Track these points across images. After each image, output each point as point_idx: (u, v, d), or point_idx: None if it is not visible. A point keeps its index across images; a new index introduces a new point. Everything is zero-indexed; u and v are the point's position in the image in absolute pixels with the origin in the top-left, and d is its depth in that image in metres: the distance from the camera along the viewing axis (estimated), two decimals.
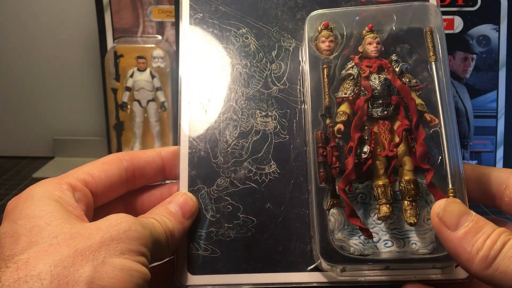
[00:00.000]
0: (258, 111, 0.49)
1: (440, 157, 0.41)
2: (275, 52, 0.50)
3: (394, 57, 0.45)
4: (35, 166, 1.06)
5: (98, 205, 0.44)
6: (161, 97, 0.91)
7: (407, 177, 0.41)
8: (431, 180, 0.40)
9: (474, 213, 0.36)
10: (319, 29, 0.45)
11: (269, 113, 0.49)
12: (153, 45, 0.88)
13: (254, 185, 0.47)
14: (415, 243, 0.42)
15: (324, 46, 0.45)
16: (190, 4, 0.52)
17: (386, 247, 0.42)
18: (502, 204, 0.41)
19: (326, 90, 0.44)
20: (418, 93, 0.44)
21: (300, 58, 0.50)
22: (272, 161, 0.47)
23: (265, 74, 0.50)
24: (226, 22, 0.52)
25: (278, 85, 0.49)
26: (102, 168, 0.44)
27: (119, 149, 0.92)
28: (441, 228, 0.36)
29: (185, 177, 0.47)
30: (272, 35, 0.51)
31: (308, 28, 0.45)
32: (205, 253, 0.45)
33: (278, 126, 0.48)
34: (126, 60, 0.89)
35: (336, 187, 0.42)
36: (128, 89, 0.90)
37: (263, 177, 0.47)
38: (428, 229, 0.42)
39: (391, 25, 0.45)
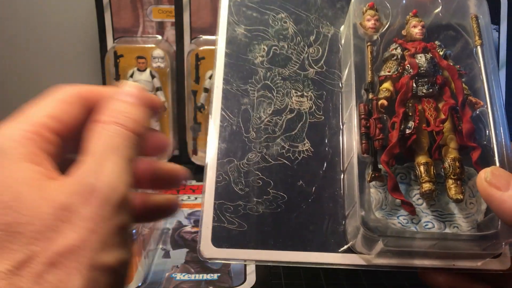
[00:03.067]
0: (293, 91, 0.48)
1: (486, 136, 0.40)
2: (313, 37, 0.50)
3: (437, 42, 0.44)
4: None
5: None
6: (161, 97, 0.90)
7: (452, 155, 0.40)
8: (478, 159, 0.39)
9: None
10: (364, 9, 0.45)
11: (305, 94, 0.48)
12: (153, 45, 0.88)
13: (287, 162, 0.45)
14: (457, 227, 0.40)
15: (369, 24, 0.44)
16: None
17: (426, 229, 0.40)
18: None
19: (370, 66, 0.43)
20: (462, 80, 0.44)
21: (339, 44, 0.49)
22: (306, 140, 0.46)
23: (302, 57, 0.49)
24: (265, 7, 0.52)
25: (315, 67, 0.49)
26: (66, 110, 0.34)
27: None
28: (490, 190, 0.35)
29: (214, 148, 0.45)
30: (311, 21, 0.51)
31: (354, 6, 0.45)
32: (231, 226, 0.42)
33: (314, 107, 0.47)
34: (126, 60, 0.88)
35: (379, 160, 0.40)
36: None
37: (296, 155, 0.45)
38: (470, 213, 0.40)
39: (436, 12, 0.45)
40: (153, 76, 0.89)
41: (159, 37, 0.91)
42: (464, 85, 0.43)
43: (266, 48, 0.50)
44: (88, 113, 0.34)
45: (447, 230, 0.40)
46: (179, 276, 0.58)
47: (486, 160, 0.39)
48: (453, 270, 0.40)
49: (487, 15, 0.44)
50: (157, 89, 0.89)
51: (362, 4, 0.46)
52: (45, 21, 1.02)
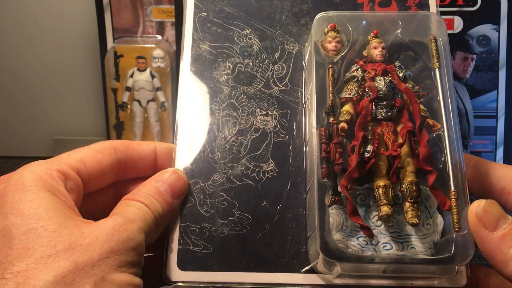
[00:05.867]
0: (258, 110, 0.48)
1: (442, 159, 0.41)
2: (278, 54, 0.51)
3: (397, 63, 0.45)
4: None
5: (87, 192, 0.42)
6: (161, 97, 0.90)
7: (409, 178, 0.41)
8: (433, 183, 0.40)
9: (510, 217, 0.37)
10: (326, 30, 0.46)
11: (270, 112, 0.48)
12: (153, 45, 0.88)
13: (251, 183, 0.46)
14: (414, 247, 0.41)
15: (330, 46, 0.45)
16: (195, 3, 0.52)
17: (385, 250, 0.41)
18: (509, 200, 0.42)
19: (331, 89, 0.44)
20: (419, 101, 0.44)
21: (303, 61, 0.50)
22: (271, 160, 0.47)
23: (267, 75, 0.50)
24: (230, 22, 0.52)
25: (280, 85, 0.49)
26: (95, 157, 0.42)
27: None
28: (478, 227, 0.37)
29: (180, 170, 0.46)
30: (276, 38, 0.51)
31: (316, 28, 0.46)
32: (197, 249, 0.43)
33: (278, 126, 0.48)
34: (126, 60, 0.89)
35: (338, 184, 0.41)
36: (128, 89, 0.89)
37: (261, 175, 0.46)
38: (427, 234, 0.42)
39: (396, 32, 0.46)
40: (153, 76, 0.89)
41: (159, 37, 0.90)
42: (423, 107, 0.44)
43: (231, 66, 0.50)
44: (116, 162, 0.43)
45: (405, 251, 0.41)
46: None
47: (442, 184, 0.40)
48: None
49: (446, 36, 0.45)
50: (157, 89, 0.89)
51: (324, 25, 0.46)
52: (45, 21, 1.01)
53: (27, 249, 0.32)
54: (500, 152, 0.81)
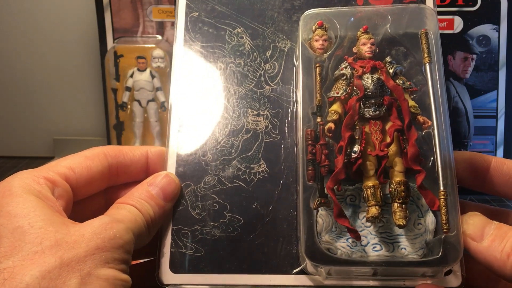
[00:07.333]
0: (249, 110, 0.48)
1: (432, 159, 0.40)
2: (270, 52, 0.50)
3: (388, 59, 0.44)
4: (35, 166, 1.05)
5: (78, 199, 0.43)
6: (161, 97, 0.91)
7: (397, 178, 0.40)
8: (422, 182, 0.39)
9: (495, 222, 0.36)
10: (313, 28, 0.45)
11: (261, 112, 0.48)
12: (153, 45, 0.89)
13: (243, 184, 0.46)
14: (405, 248, 0.41)
15: (317, 44, 0.44)
16: (186, 3, 0.52)
17: (374, 251, 0.41)
18: None
19: (318, 88, 0.43)
20: (412, 96, 0.43)
21: (294, 59, 0.49)
22: (262, 161, 0.46)
23: (258, 74, 0.49)
24: (221, 21, 0.51)
25: (271, 84, 0.49)
26: (84, 164, 0.42)
27: None
28: (467, 241, 0.37)
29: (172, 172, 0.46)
30: (267, 36, 0.50)
31: (302, 27, 0.45)
32: (189, 252, 0.44)
33: (270, 126, 0.47)
34: (126, 60, 0.90)
35: (325, 186, 0.40)
36: (128, 89, 0.90)
37: (252, 176, 0.46)
38: (418, 234, 0.41)
39: (386, 27, 0.45)
40: (153, 76, 0.90)
41: (159, 37, 0.91)
42: (414, 103, 0.42)
43: (222, 66, 0.50)
44: (107, 167, 0.44)
45: (395, 252, 0.41)
46: None
47: (431, 183, 0.40)
48: None
49: (437, 30, 0.43)
50: (157, 89, 0.90)
51: (311, 22, 0.45)
52: (45, 21, 1.03)
53: (14, 247, 0.33)
54: (500, 152, 0.80)
